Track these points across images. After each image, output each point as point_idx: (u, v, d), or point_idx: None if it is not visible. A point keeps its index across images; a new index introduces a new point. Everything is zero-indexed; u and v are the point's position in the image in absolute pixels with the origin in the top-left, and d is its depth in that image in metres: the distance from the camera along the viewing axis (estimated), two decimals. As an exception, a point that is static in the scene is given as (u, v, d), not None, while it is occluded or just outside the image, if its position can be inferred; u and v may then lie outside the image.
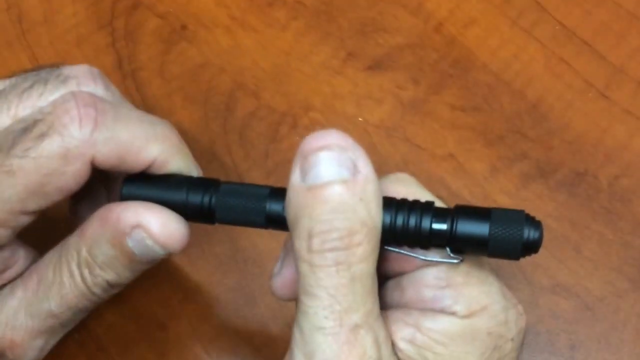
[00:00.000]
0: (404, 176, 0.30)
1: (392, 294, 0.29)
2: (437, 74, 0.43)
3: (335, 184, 0.24)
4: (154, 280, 0.40)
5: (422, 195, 0.29)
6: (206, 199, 0.29)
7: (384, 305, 0.29)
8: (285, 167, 0.42)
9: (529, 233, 0.25)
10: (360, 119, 0.43)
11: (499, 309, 0.27)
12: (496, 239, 0.25)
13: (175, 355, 0.38)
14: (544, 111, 0.42)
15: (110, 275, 0.30)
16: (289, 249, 0.29)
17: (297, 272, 0.25)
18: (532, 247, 0.26)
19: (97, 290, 0.30)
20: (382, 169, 0.42)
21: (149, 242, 0.28)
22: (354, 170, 0.25)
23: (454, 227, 0.26)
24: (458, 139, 0.42)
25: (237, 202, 0.29)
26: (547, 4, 0.44)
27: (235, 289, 0.40)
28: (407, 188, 0.29)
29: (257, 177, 0.42)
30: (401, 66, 0.44)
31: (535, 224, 0.26)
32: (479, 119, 0.42)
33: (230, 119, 0.43)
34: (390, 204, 0.27)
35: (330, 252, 0.24)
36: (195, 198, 0.29)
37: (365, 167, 0.25)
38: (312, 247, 0.24)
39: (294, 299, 0.28)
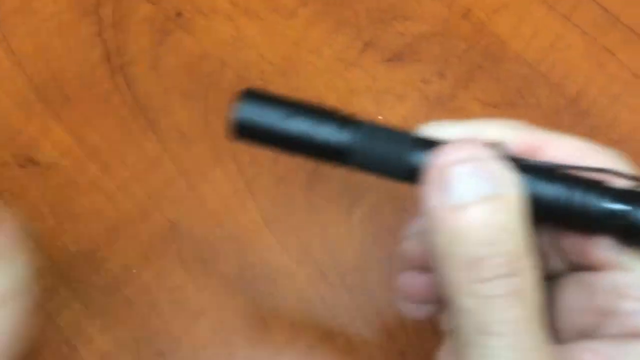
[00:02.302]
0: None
1: (568, 298, 0.25)
2: (465, 65, 0.41)
3: (487, 202, 0.21)
4: (151, 303, 0.38)
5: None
6: (342, 136, 0.24)
7: (554, 312, 0.26)
8: (297, 173, 0.40)
9: None
10: (380, 117, 0.40)
11: None
12: None
13: (178, 387, 0.36)
14: (585, 107, 0.40)
15: None
16: None
17: (454, 310, 0.22)
18: None
19: None
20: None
21: None
22: (503, 184, 0.22)
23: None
24: (490, 139, 0.39)
25: (379, 145, 0.24)
26: (588, -14, 0.42)
27: (244, 311, 0.37)
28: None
29: (266, 184, 0.39)
30: (425, 57, 0.41)
31: None
32: (513, 115, 0.40)
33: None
34: (551, 174, 0.23)
35: (501, 279, 0.21)
36: (328, 132, 0.24)
37: (512, 178, 0.22)
38: (480, 276, 0.21)
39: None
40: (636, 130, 0.39)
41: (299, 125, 0.24)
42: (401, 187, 0.39)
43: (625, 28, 0.41)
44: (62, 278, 0.39)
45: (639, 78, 0.40)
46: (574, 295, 0.25)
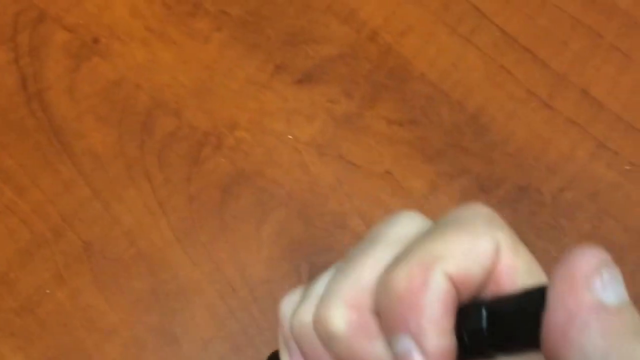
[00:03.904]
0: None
1: None
2: (371, 85, 0.45)
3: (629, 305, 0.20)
4: (64, 322, 0.40)
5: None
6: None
7: None
8: (210, 192, 0.43)
9: None
10: (290, 137, 0.44)
11: None
12: None
13: (88, 403, 0.38)
14: (484, 123, 0.44)
15: None
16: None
17: None
18: None
19: None
20: (314, 190, 0.43)
21: None
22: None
23: None
24: (395, 155, 0.43)
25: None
26: (487, 10, 0.46)
27: (156, 327, 0.40)
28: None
29: (178, 203, 0.42)
30: (333, 78, 0.45)
31: None
32: (416, 133, 0.43)
33: (148, 140, 0.44)
34: None
35: None
36: None
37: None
38: None
39: None
40: (530, 143, 0.43)
41: None
42: (308, 204, 0.42)
43: (522, 48, 0.45)
44: (-25, 300, 0.41)
45: (533, 95, 0.44)
46: None
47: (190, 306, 0.40)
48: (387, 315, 0.22)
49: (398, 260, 0.22)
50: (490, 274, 0.22)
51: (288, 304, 0.27)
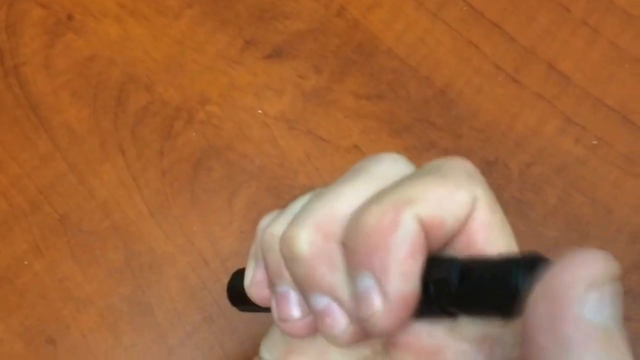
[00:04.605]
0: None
1: None
2: (339, 60, 0.46)
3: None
4: (41, 293, 0.42)
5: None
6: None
7: None
8: (182, 166, 0.44)
9: None
10: (259, 111, 0.45)
11: None
12: None
13: (64, 370, 0.40)
14: (452, 97, 0.45)
15: None
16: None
17: None
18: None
19: None
20: (284, 165, 0.44)
21: None
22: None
23: None
24: (363, 129, 0.44)
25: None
26: (455, -16, 0.47)
27: (130, 298, 0.42)
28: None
29: (152, 177, 0.44)
30: (302, 53, 0.46)
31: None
32: (384, 107, 0.44)
33: (122, 115, 0.45)
34: None
35: None
36: None
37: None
38: None
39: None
40: (498, 118, 0.44)
41: None
42: (277, 178, 0.44)
43: (489, 23, 0.46)
44: (-44, 271, 0.43)
45: (500, 69, 0.45)
46: None
47: (163, 278, 0.42)
48: (354, 250, 0.22)
49: (373, 198, 0.22)
50: (462, 225, 0.22)
51: (266, 218, 0.27)
